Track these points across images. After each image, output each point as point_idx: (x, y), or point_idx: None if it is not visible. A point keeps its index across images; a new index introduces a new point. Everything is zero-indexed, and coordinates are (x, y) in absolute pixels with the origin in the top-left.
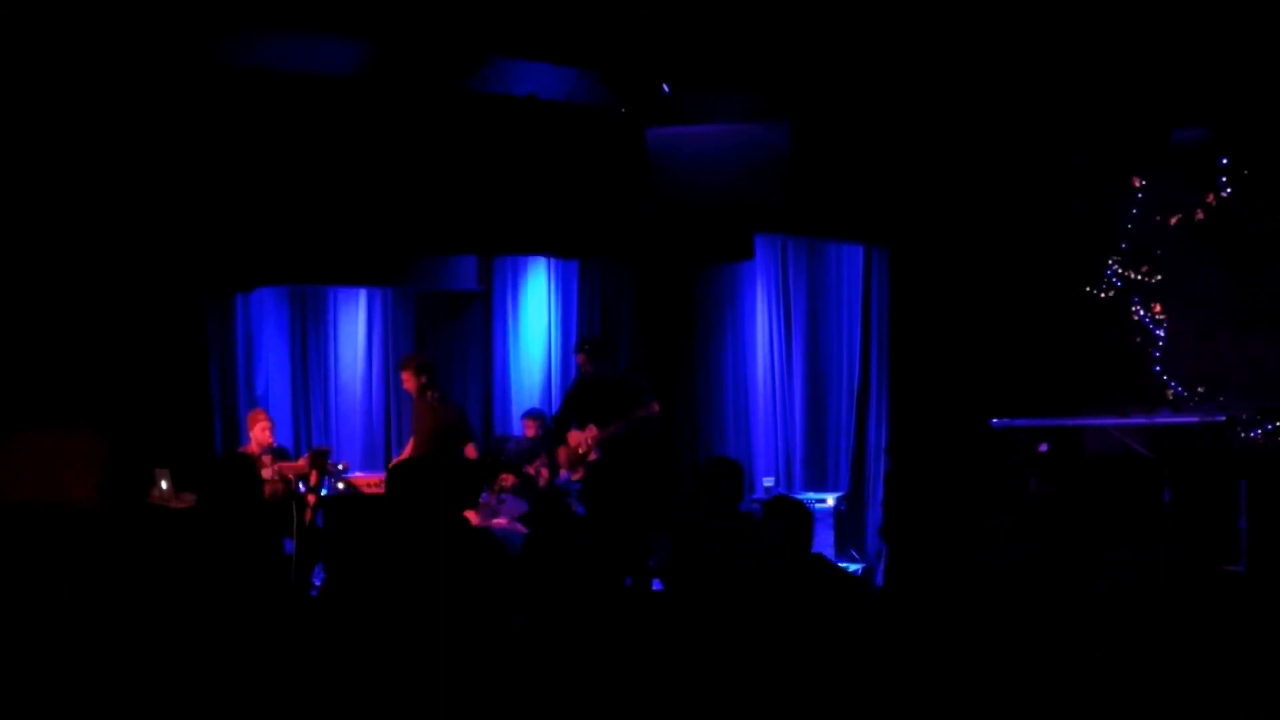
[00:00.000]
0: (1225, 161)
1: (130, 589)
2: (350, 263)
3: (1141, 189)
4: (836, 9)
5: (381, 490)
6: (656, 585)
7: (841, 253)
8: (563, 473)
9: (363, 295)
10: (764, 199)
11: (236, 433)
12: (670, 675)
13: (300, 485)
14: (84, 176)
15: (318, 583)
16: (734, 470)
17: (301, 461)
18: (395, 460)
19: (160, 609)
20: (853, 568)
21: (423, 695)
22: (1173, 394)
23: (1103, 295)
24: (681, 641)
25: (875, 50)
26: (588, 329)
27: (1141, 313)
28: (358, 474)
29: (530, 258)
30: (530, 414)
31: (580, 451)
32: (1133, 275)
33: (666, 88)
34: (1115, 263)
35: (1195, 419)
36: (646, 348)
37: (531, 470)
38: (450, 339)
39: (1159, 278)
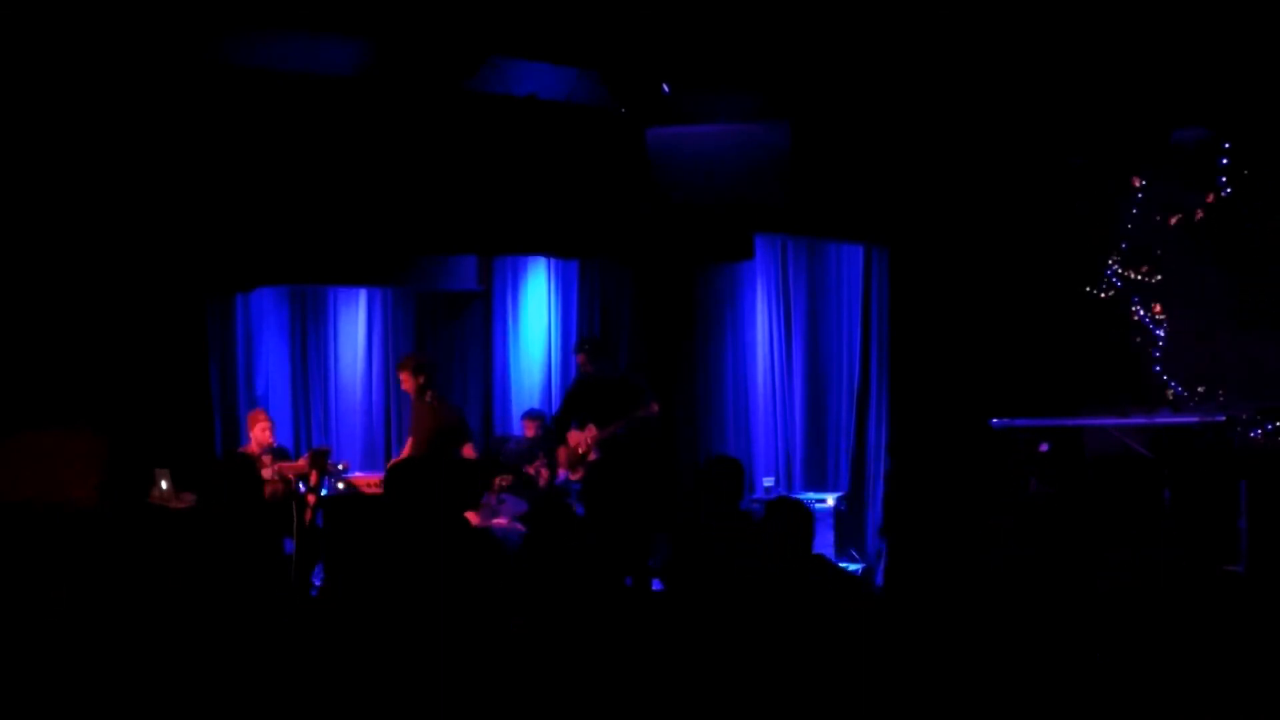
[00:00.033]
0: (1225, 161)
1: (130, 589)
2: (350, 263)
3: (1141, 189)
4: (836, 9)
5: (380, 490)
6: (656, 585)
7: (841, 253)
8: (562, 472)
9: (363, 295)
10: (764, 199)
11: (236, 433)
12: (670, 675)
13: (300, 485)
14: (84, 177)
15: (318, 583)
16: (734, 469)
17: (301, 461)
18: (393, 460)
19: (160, 609)
20: (853, 568)
21: (423, 695)
22: (1173, 394)
23: (1103, 295)
24: (681, 642)
25: (875, 50)
26: (588, 329)
27: (1141, 313)
28: (358, 474)
29: (530, 258)
30: (530, 414)
31: (580, 451)
32: (1133, 275)
33: (666, 88)
34: (1115, 263)
35: (1195, 419)
36: (646, 348)
37: (531, 470)
38: (450, 339)
39: (1159, 278)
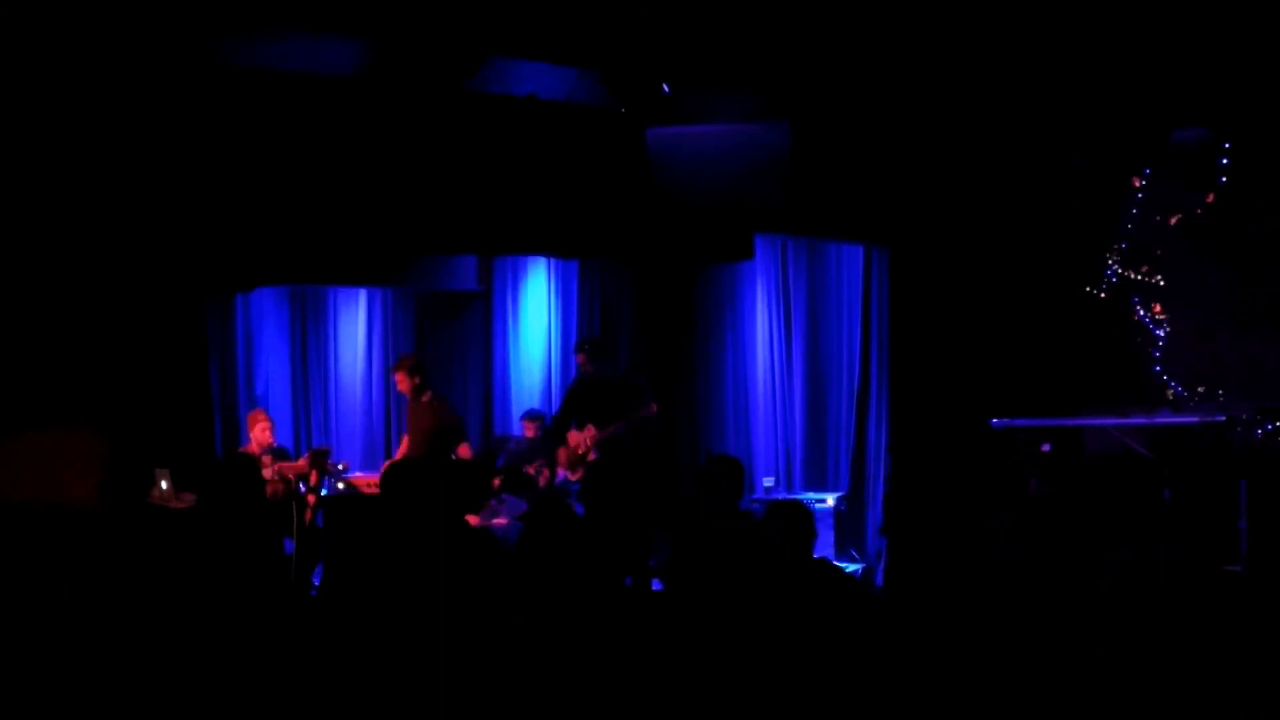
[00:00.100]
0: (1225, 161)
1: (130, 589)
2: (350, 263)
3: (1141, 189)
4: (836, 9)
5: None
6: (656, 585)
7: (841, 253)
8: (562, 472)
9: (363, 295)
10: (764, 199)
11: (236, 433)
12: (670, 675)
13: (300, 485)
14: (84, 177)
15: (318, 583)
16: (734, 468)
17: (301, 461)
18: (390, 460)
19: (160, 609)
20: (852, 568)
21: (422, 695)
22: (1173, 394)
23: (1103, 295)
24: (681, 642)
25: (875, 51)
26: (588, 329)
27: (1141, 313)
28: (358, 474)
29: (530, 258)
30: (530, 415)
31: (580, 452)
32: (1133, 275)
33: (666, 88)
34: (1115, 263)
35: (1195, 419)
36: (646, 348)
37: (531, 470)
38: (450, 339)
39: (1159, 278)
